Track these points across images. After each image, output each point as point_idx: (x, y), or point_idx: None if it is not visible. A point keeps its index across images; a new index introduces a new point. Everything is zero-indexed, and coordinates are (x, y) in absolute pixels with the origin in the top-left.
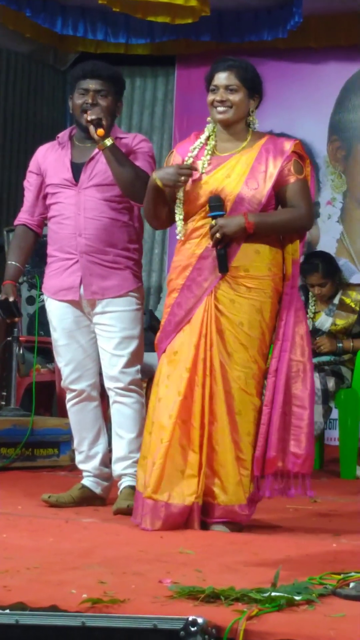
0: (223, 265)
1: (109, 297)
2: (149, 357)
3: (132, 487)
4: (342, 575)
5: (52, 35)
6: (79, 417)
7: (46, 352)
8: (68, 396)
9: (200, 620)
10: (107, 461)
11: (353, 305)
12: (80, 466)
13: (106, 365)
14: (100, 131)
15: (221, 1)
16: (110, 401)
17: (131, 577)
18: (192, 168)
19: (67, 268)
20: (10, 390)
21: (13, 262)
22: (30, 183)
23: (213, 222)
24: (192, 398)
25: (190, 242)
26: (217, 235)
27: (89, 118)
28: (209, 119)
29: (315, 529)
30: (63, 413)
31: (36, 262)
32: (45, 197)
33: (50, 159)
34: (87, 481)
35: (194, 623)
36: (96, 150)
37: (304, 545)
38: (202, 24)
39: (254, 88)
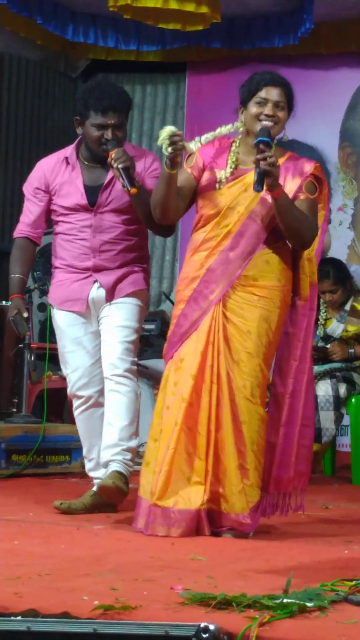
0: (260, 182)
1: (120, 295)
2: (160, 364)
3: (119, 472)
4: (354, 582)
5: (63, 42)
6: (87, 424)
7: (57, 359)
8: (75, 403)
9: (212, 627)
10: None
11: None
12: (91, 474)
13: (105, 353)
14: (134, 190)
15: (232, 8)
16: (106, 391)
17: (143, 583)
18: (177, 134)
19: (76, 280)
20: (22, 397)
21: (17, 275)
22: (37, 199)
23: (264, 148)
24: (198, 405)
25: (199, 253)
26: (272, 160)
27: (118, 166)
28: (238, 127)
29: (326, 535)
30: (74, 420)
31: (47, 269)
32: (49, 212)
33: (59, 180)
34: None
35: (205, 630)
36: (111, 174)
37: (316, 552)
38: (213, 31)
39: (291, 108)
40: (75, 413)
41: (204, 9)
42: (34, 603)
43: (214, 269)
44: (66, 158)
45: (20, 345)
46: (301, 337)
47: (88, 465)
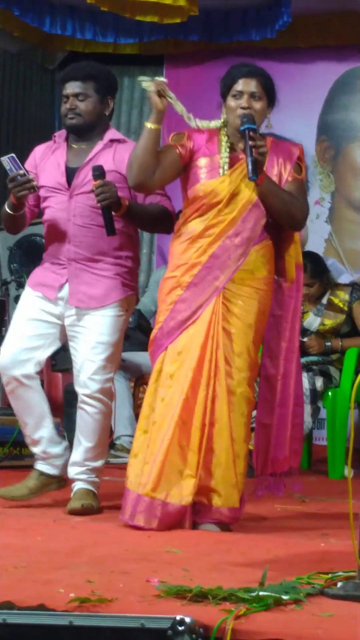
0: (255, 171)
1: (93, 306)
2: (137, 357)
3: (87, 489)
4: (329, 575)
5: (40, 34)
6: (16, 403)
7: None
8: (2, 381)
9: (187, 620)
10: (54, 440)
11: (341, 305)
12: (31, 449)
13: (77, 369)
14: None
15: (209, 1)
16: (78, 402)
17: (119, 576)
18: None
19: (54, 271)
20: None
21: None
22: None
23: (253, 135)
24: (194, 399)
25: (201, 240)
26: (264, 149)
27: (100, 204)
28: (222, 120)
29: (303, 528)
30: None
31: (24, 262)
32: (37, 197)
33: (46, 160)
34: (40, 465)
35: (181, 622)
36: (91, 154)
37: (292, 545)
38: (191, 24)
39: (272, 98)
40: (6, 390)
41: (181, 2)
42: (10, 595)
43: (218, 255)
44: (54, 137)
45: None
46: (289, 319)
47: (27, 440)
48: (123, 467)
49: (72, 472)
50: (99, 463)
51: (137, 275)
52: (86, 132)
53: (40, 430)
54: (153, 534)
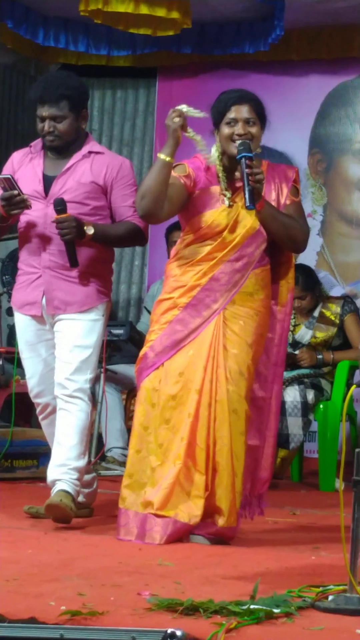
0: (252, 200)
1: (70, 312)
2: (129, 369)
3: (65, 491)
4: (321, 588)
5: (34, 46)
6: (49, 430)
7: (20, 364)
8: (37, 409)
9: (179, 633)
10: (86, 469)
11: (333, 318)
12: None
13: (56, 372)
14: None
15: (203, 13)
16: (57, 409)
17: (110, 589)
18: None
19: (31, 282)
20: None
21: None
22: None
23: (250, 164)
24: (197, 419)
25: (202, 263)
26: (260, 176)
27: (63, 239)
28: (216, 149)
29: (294, 541)
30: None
31: (16, 274)
32: None
33: (23, 168)
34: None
35: (172, 635)
36: (69, 164)
37: (283, 558)
38: (184, 36)
39: (264, 122)
40: (39, 418)
41: (174, 15)
42: (1, 608)
43: (218, 278)
44: (31, 147)
45: None
46: (276, 342)
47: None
48: (114, 479)
49: (52, 474)
50: (80, 462)
51: (111, 283)
52: (64, 150)
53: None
54: (144, 546)
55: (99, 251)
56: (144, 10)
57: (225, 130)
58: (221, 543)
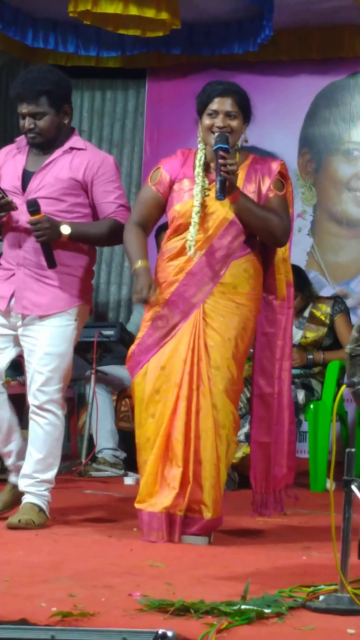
0: (222, 190)
1: (37, 314)
2: (119, 370)
3: (32, 503)
4: (311, 588)
5: (23, 47)
6: None
7: (16, 366)
8: None
9: (170, 634)
10: (22, 455)
11: (323, 318)
12: (4, 460)
13: (29, 380)
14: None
15: (191, 14)
16: (29, 417)
17: (101, 590)
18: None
19: (6, 278)
20: None
21: None
22: None
23: (224, 155)
24: (175, 412)
25: (179, 258)
26: (233, 167)
27: (38, 240)
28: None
29: (285, 541)
30: (25, 425)
31: None
32: None
33: (7, 164)
34: (12, 477)
35: (163, 636)
36: (48, 159)
37: (274, 558)
38: (173, 37)
39: (248, 114)
40: None
41: (163, 15)
42: None
43: (195, 272)
44: (15, 142)
45: None
46: (281, 336)
47: None
48: (105, 480)
49: (21, 484)
50: (48, 475)
51: (89, 286)
52: (46, 146)
53: (9, 444)
54: (136, 547)
55: (76, 252)
56: (133, 11)
57: (206, 121)
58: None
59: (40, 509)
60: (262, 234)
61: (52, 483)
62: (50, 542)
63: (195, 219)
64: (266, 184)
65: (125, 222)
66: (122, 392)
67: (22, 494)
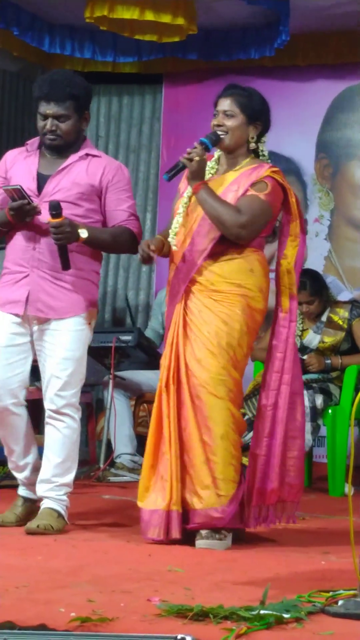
0: (170, 171)
1: (52, 317)
2: (137, 375)
3: (51, 509)
4: (330, 593)
5: (40, 53)
6: (4, 431)
7: (33, 370)
8: None
9: (189, 639)
10: (38, 466)
11: (341, 323)
12: (14, 473)
13: (44, 384)
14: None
15: (208, 19)
16: (45, 420)
17: (120, 595)
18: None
19: (17, 281)
20: None
21: None
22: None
23: (196, 145)
24: (160, 406)
25: (173, 255)
26: (190, 155)
27: (57, 243)
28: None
29: (303, 546)
30: (38, 431)
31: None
32: (5, 201)
33: (17, 166)
34: (23, 491)
35: None
36: (65, 163)
37: (293, 563)
38: (190, 42)
39: (254, 115)
40: None
41: (180, 21)
42: (11, 615)
43: (179, 268)
44: (27, 145)
45: None
46: (282, 349)
47: (10, 465)
48: (123, 485)
49: (40, 490)
50: (67, 478)
51: (97, 290)
52: (63, 150)
53: (27, 457)
54: (154, 552)
55: (89, 257)
56: (149, 16)
57: (212, 121)
58: (216, 536)
59: (59, 515)
60: (214, 223)
61: (70, 487)
62: (69, 548)
63: (180, 209)
64: (244, 186)
65: (136, 231)
66: (140, 397)
67: (35, 507)
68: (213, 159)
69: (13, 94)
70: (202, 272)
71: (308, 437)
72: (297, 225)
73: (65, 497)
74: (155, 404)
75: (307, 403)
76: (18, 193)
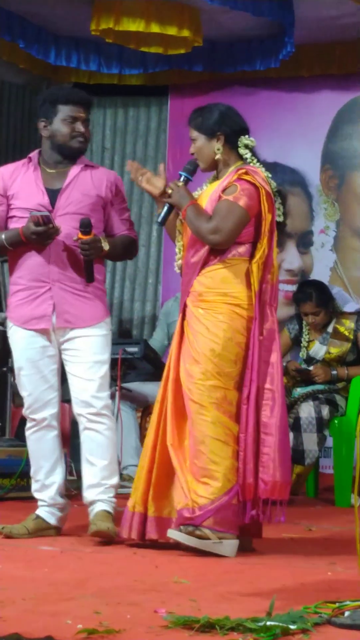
0: (162, 212)
1: (80, 326)
2: (143, 387)
3: (107, 512)
4: (337, 604)
5: (45, 66)
6: (37, 445)
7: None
8: (28, 424)
9: None
10: (63, 491)
11: (347, 334)
12: (36, 495)
13: (76, 391)
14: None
15: (213, 31)
16: (81, 428)
17: (126, 607)
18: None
19: (37, 296)
20: (5, 421)
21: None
22: None
23: (180, 179)
24: (159, 415)
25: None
26: (168, 192)
27: (87, 258)
28: None
29: (310, 557)
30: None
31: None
32: (5, 220)
33: (19, 182)
34: (42, 511)
35: None
36: (70, 176)
37: (299, 574)
38: (195, 54)
39: (210, 129)
40: (27, 433)
41: (185, 33)
42: (18, 627)
43: (182, 282)
44: (29, 159)
45: (3, 369)
46: (250, 345)
47: (34, 486)
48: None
49: (90, 495)
50: (114, 480)
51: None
52: (79, 156)
53: (53, 475)
54: (161, 564)
55: (101, 266)
56: (155, 28)
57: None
58: (193, 532)
59: (113, 518)
60: (198, 237)
61: (117, 488)
62: (75, 560)
63: (178, 226)
64: (219, 190)
65: (136, 237)
66: (146, 409)
67: (45, 524)
68: (212, 176)
69: (19, 106)
70: (194, 284)
71: (314, 448)
72: (266, 224)
73: (114, 499)
74: (154, 413)
75: (313, 414)
76: (46, 219)
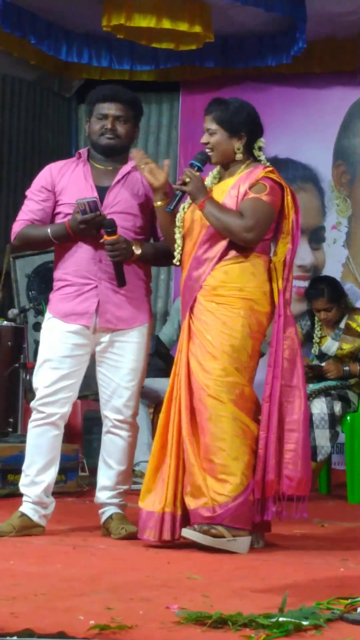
0: (173, 200)
1: (121, 328)
2: (155, 383)
3: (121, 514)
4: (349, 600)
5: (57, 62)
6: (37, 440)
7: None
8: (33, 416)
9: None
10: (50, 491)
11: (359, 330)
12: (22, 489)
13: (109, 394)
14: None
15: (225, 27)
16: (104, 428)
17: (138, 603)
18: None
19: (82, 293)
20: (18, 417)
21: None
22: (40, 197)
23: (195, 169)
24: (168, 411)
25: (184, 264)
26: (185, 180)
27: (114, 260)
28: None
29: (322, 553)
30: (69, 439)
31: (42, 289)
32: (52, 216)
33: (68, 177)
34: (26, 508)
35: None
36: (120, 174)
37: (312, 570)
38: (206, 50)
39: (234, 128)
40: (30, 425)
41: (197, 29)
42: (30, 623)
43: (190, 276)
44: (79, 155)
45: (16, 365)
46: (273, 343)
47: (23, 481)
48: None
49: (103, 496)
50: (127, 486)
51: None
52: (118, 154)
53: (44, 474)
54: (173, 560)
55: (148, 271)
56: (166, 24)
57: (201, 139)
58: (210, 532)
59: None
60: (223, 232)
61: (127, 492)
62: (87, 555)
63: (177, 223)
64: (245, 187)
65: None
66: (158, 405)
67: (30, 522)
68: (216, 170)
69: (30, 102)
70: (207, 279)
71: (327, 444)
72: (289, 223)
73: (125, 502)
74: (162, 409)
75: (325, 410)
76: (93, 205)
